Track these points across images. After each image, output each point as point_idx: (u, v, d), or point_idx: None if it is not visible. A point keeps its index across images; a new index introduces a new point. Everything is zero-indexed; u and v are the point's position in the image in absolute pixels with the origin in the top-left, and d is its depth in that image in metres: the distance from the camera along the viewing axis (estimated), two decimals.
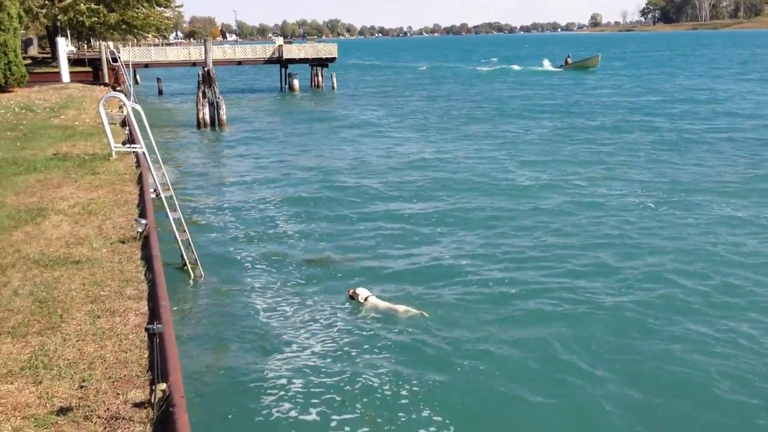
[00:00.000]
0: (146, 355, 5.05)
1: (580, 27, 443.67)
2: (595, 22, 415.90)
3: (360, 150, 27.44)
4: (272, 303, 11.57)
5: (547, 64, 77.24)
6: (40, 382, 4.75)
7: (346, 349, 9.55)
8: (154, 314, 5.70)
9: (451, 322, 10.46)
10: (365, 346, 9.57)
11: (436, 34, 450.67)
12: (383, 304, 11.09)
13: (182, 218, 13.42)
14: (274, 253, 14.49)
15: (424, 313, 10.61)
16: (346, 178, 22.16)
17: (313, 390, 8.08)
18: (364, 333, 10.11)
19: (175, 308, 10.51)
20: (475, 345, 9.66)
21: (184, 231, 13.32)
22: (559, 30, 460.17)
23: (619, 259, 13.34)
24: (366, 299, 11.12)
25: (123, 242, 7.88)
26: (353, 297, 11.22)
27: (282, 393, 7.98)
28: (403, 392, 8.06)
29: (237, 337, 9.59)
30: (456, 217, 16.82)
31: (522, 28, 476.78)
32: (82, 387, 4.70)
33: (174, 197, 13.65)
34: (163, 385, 4.39)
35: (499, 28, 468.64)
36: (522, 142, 28.09)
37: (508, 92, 51.41)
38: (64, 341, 5.38)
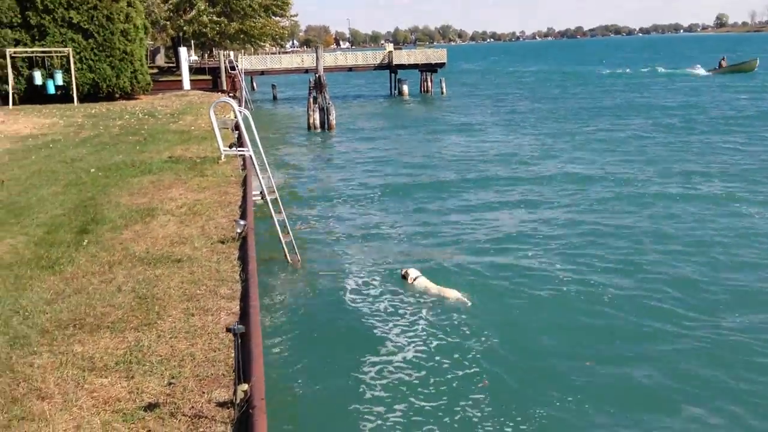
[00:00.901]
0: (233, 355, 5.07)
1: (704, 28, 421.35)
2: (720, 23, 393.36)
3: (466, 152, 27.18)
4: (370, 305, 11.56)
5: (698, 69, 72.82)
6: (132, 377, 4.87)
7: (434, 350, 9.34)
8: (244, 314, 5.75)
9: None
10: (455, 353, 9.33)
11: (549, 38, 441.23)
12: (432, 286, 11.53)
13: (286, 220, 13.70)
14: (375, 253, 14.54)
15: (466, 300, 10.93)
16: (449, 178, 22.02)
17: (398, 402, 7.92)
18: (454, 333, 9.88)
19: (272, 309, 10.70)
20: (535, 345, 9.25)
21: (288, 233, 13.59)
22: (681, 31, 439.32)
23: (734, 277, 12.43)
24: (415, 279, 11.72)
25: (222, 242, 8.05)
26: (405, 276, 11.89)
27: (365, 405, 7.88)
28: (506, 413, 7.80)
29: (331, 339, 9.61)
30: (562, 218, 16.32)
31: (641, 30, 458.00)
32: (170, 384, 4.78)
33: (279, 200, 13.96)
34: (245, 386, 4.38)
35: (617, 30, 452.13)
36: (641, 144, 26.91)
37: (631, 96, 49.46)
38: (158, 338, 5.51)
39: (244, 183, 11.42)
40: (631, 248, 13.79)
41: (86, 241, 8.35)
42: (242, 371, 4.49)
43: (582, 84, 63.51)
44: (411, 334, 10.04)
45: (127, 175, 12.66)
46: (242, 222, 8.10)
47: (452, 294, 11.28)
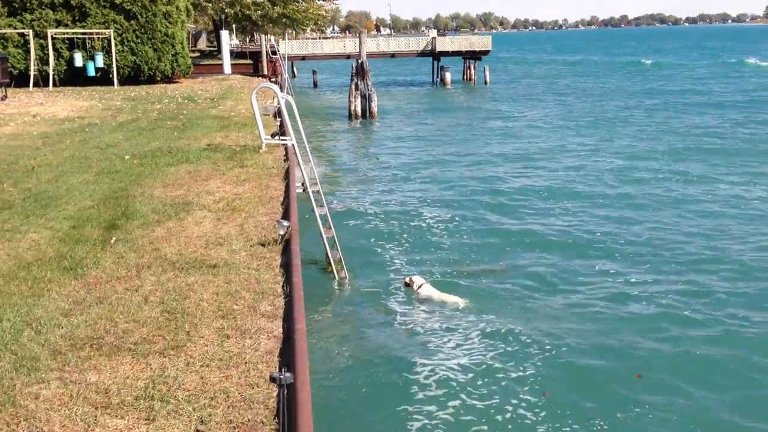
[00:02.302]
0: (275, 393, 4.20)
1: (753, 18, 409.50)
2: None
3: (511, 145, 26.22)
4: (417, 314, 10.74)
5: None
6: (153, 419, 4.03)
7: (495, 379, 8.44)
8: (288, 339, 4.88)
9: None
10: (510, 372, 8.44)
11: (593, 27, 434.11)
12: (436, 294, 11.40)
13: (329, 214, 12.86)
14: (420, 254, 13.76)
15: (467, 303, 10.93)
16: (495, 174, 21.09)
17: None
18: (507, 357, 8.97)
19: (314, 317, 9.85)
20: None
21: (330, 228, 12.74)
22: (730, 21, 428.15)
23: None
24: (420, 287, 11.51)
25: (263, 245, 7.20)
26: (409, 284, 11.70)
27: None
28: None
29: (380, 356, 8.76)
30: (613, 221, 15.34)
31: (688, 20, 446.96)
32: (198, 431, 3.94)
33: (321, 192, 13.12)
34: None
35: (662, 19, 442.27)
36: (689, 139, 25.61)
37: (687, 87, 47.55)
38: (187, 365, 4.66)
39: (287, 176, 10.57)
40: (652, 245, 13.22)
41: (114, 238, 7.58)
42: (287, 424, 3.63)
43: (636, 76, 61.53)
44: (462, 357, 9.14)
45: (162, 163, 11.91)
46: (285, 223, 7.23)
47: (453, 300, 11.19)
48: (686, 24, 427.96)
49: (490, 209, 17.07)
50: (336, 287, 11.99)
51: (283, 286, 5.97)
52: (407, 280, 11.89)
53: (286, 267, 6.41)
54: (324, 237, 12.41)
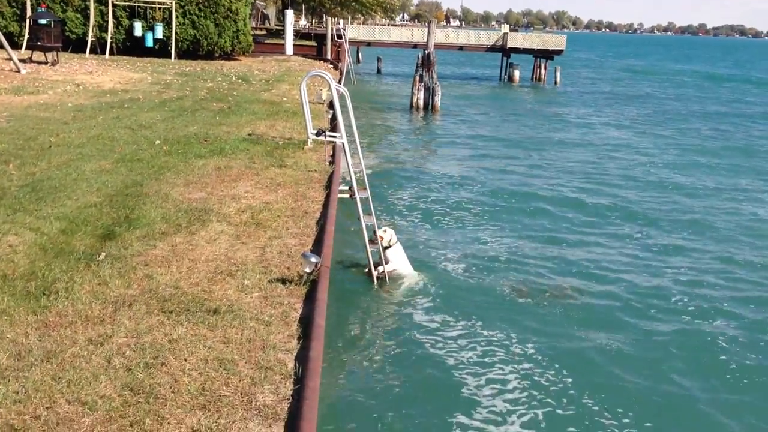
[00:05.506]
0: None
1: None
2: None
3: (581, 155, 24.00)
4: (484, 360, 8.92)
5: None
6: None
7: None
8: None
9: None
10: None
11: (669, 33, 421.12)
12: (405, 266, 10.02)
13: (376, 225, 11.23)
14: (482, 278, 11.85)
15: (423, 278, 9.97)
16: (566, 186, 18.99)
17: None
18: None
19: (344, 357, 8.22)
20: None
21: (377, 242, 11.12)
22: None
23: None
24: (389, 247, 9.68)
25: (284, 282, 5.63)
26: (374, 241, 9.51)
27: None
28: None
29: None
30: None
31: None
32: None
33: (370, 199, 11.46)
34: None
35: (742, 31, 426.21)
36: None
37: None
38: None
39: (329, 184, 8.98)
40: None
41: (104, 254, 6.12)
42: None
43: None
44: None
45: (192, 154, 10.46)
46: (313, 259, 5.63)
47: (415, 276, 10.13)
48: (767, 38, 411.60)
49: (554, 225, 15.16)
50: (376, 307, 10.35)
51: (295, 359, 4.37)
52: (380, 232, 9.67)
53: (306, 326, 4.81)
54: (368, 250, 10.82)
